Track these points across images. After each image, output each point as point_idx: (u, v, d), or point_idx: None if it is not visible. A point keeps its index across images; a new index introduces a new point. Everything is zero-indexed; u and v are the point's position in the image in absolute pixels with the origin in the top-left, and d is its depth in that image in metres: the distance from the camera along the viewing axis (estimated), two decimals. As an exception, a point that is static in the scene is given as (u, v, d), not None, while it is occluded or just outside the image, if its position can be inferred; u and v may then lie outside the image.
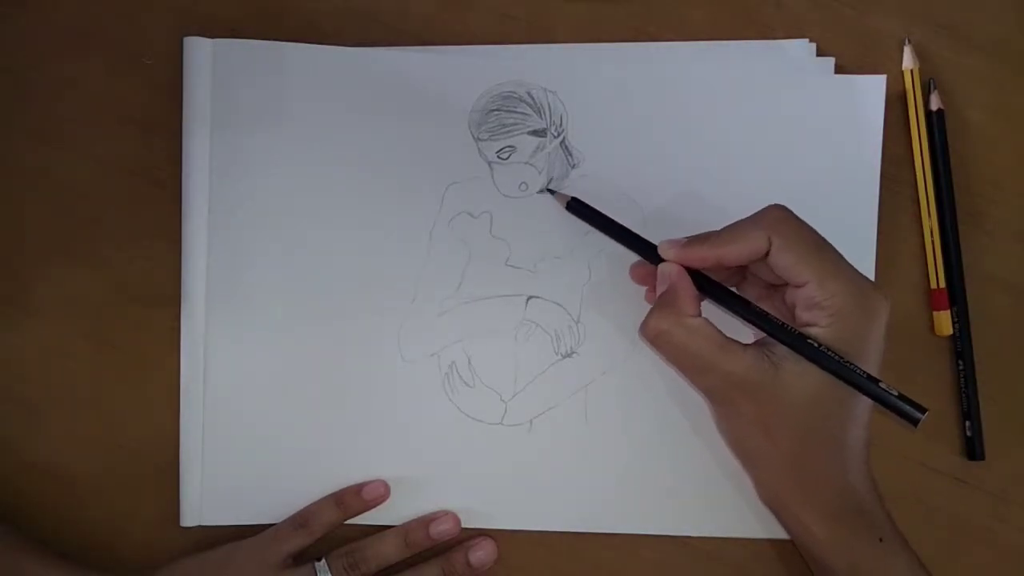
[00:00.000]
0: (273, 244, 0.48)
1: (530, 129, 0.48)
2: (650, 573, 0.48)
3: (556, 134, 0.48)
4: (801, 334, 0.40)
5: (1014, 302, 0.48)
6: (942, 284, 0.47)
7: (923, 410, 0.39)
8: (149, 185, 0.49)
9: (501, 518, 0.48)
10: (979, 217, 0.48)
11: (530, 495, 0.48)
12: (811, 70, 0.48)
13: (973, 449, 0.47)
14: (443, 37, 0.49)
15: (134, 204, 0.49)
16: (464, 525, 0.48)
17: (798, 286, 0.40)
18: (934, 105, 0.48)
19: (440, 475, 0.48)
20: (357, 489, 0.47)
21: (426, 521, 0.47)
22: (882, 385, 0.39)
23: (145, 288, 0.49)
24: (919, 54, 0.48)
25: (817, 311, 0.40)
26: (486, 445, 0.48)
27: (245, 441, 0.48)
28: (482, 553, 0.47)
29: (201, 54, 0.47)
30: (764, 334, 0.41)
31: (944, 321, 0.47)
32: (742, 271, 0.45)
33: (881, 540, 0.41)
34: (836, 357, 0.39)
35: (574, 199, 0.46)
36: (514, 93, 0.48)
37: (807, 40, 0.48)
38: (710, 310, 0.42)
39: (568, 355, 0.48)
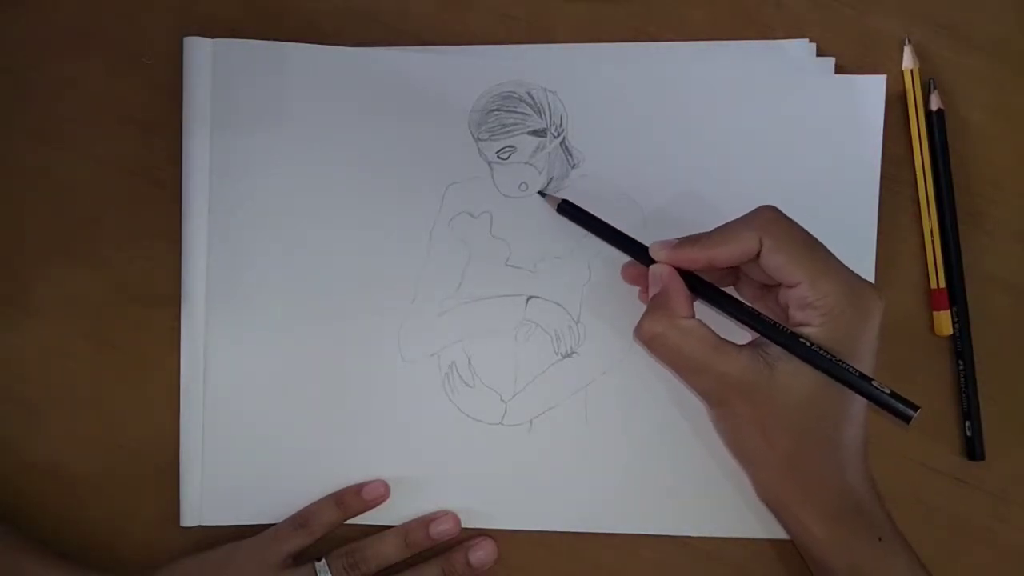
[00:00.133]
0: (273, 244, 0.48)
1: (530, 129, 0.48)
2: (650, 573, 0.48)
3: (556, 134, 0.48)
4: (794, 334, 0.40)
5: (1014, 302, 0.48)
6: (942, 284, 0.47)
7: (915, 407, 0.39)
8: (149, 185, 0.49)
9: (501, 518, 0.48)
10: (979, 217, 0.48)
11: (530, 495, 0.48)
12: (811, 70, 0.48)
13: (973, 449, 0.47)
14: (443, 37, 0.49)
15: (134, 204, 0.49)
16: (464, 525, 0.48)
17: (790, 286, 0.40)
18: (934, 105, 0.48)
19: (440, 475, 0.48)
20: (357, 489, 0.47)
21: (426, 521, 0.47)
22: (874, 383, 0.39)
23: (145, 288, 0.49)
24: (919, 54, 0.48)
25: (810, 311, 0.40)
26: (486, 445, 0.48)
27: (245, 441, 0.48)
28: (482, 553, 0.47)
29: (201, 54, 0.47)
30: (758, 335, 0.41)
31: (944, 321, 0.47)
32: (735, 272, 0.45)
33: (881, 540, 0.41)
34: (829, 356, 0.39)
35: (564, 201, 0.46)
36: (514, 93, 0.48)
37: (807, 40, 0.48)
38: (704, 312, 0.42)
39: (568, 355, 0.48)
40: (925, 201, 0.48)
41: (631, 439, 0.48)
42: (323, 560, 0.46)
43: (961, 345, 0.47)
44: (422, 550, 0.47)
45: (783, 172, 0.47)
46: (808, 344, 0.39)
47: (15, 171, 0.49)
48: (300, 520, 0.47)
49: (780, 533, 0.45)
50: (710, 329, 0.41)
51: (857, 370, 0.39)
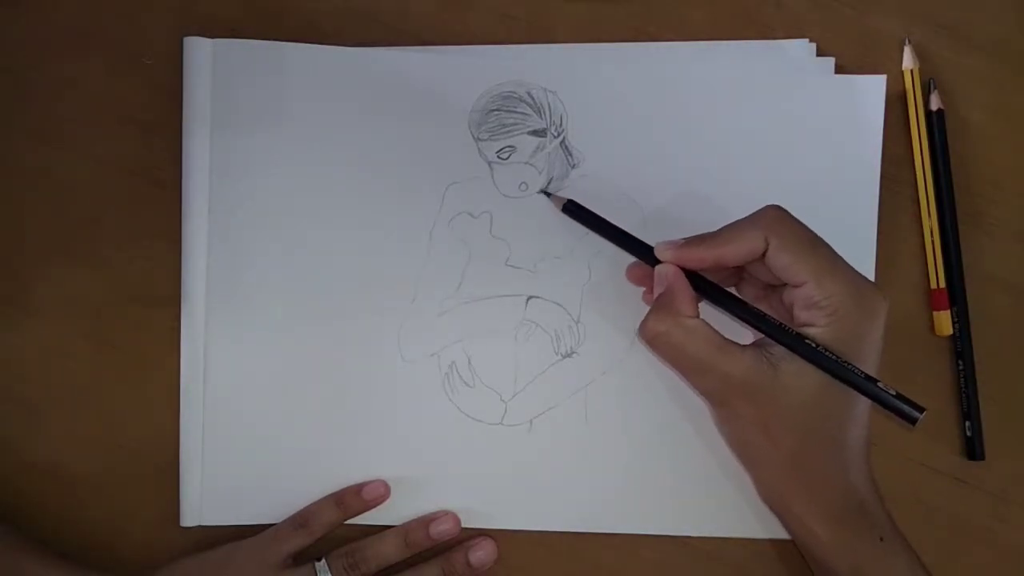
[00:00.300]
0: (273, 244, 0.48)
1: (530, 129, 0.48)
2: (650, 573, 0.48)
3: (556, 134, 0.48)
4: (799, 334, 0.40)
5: (1014, 302, 0.48)
6: (942, 284, 0.47)
7: (921, 409, 0.39)
8: (149, 185, 0.49)
9: (501, 518, 0.48)
10: (979, 217, 0.48)
11: (530, 495, 0.48)
12: (811, 70, 0.48)
13: (973, 449, 0.47)
14: (443, 37, 0.49)
15: (134, 204, 0.49)
16: (464, 525, 0.48)
17: (796, 286, 0.40)
18: (934, 105, 0.48)
19: (440, 475, 0.48)
20: (357, 489, 0.47)
21: (426, 521, 0.47)
22: (880, 385, 0.39)
23: (145, 288, 0.49)
24: (919, 54, 0.48)
25: (815, 311, 0.40)
26: (486, 445, 0.48)
27: (245, 441, 0.48)
28: (482, 553, 0.47)
29: (201, 54, 0.47)
30: (762, 335, 0.41)
31: (944, 321, 0.47)
32: (739, 272, 0.45)
33: (882, 540, 0.41)
34: (834, 357, 0.39)
35: (570, 201, 0.46)
36: (514, 93, 0.48)
37: (807, 40, 0.48)
38: (708, 312, 0.42)
39: (568, 355, 0.48)
40: (925, 201, 0.48)
41: (631, 439, 0.48)
42: (323, 560, 0.46)
43: (961, 345, 0.47)
44: (422, 550, 0.47)
45: (783, 172, 0.47)
46: (813, 345, 0.39)
47: (15, 171, 0.49)
48: (300, 520, 0.47)
49: (780, 533, 0.45)
50: (714, 329, 0.41)
51: (863, 371, 0.39)
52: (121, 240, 0.49)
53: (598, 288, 0.48)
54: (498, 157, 0.48)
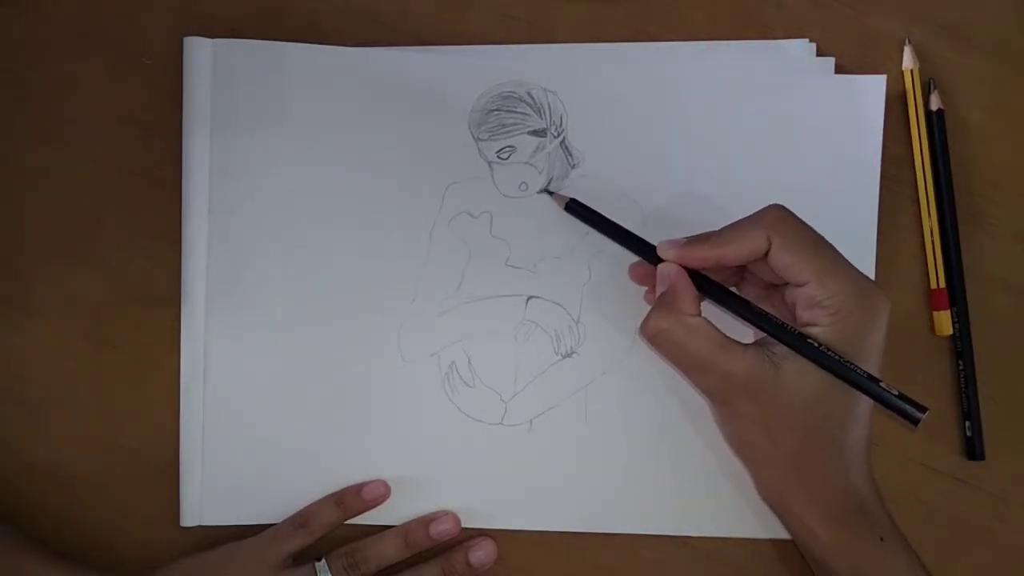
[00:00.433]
0: (273, 244, 0.48)
1: (530, 129, 0.48)
2: (650, 573, 0.48)
3: (556, 134, 0.48)
4: (801, 334, 0.40)
5: (1014, 302, 0.48)
6: (942, 284, 0.47)
7: (923, 409, 0.39)
8: (149, 185, 0.49)
9: (501, 518, 0.48)
10: (979, 217, 0.48)
11: (530, 495, 0.48)
12: (811, 70, 0.48)
13: (973, 449, 0.47)
14: (443, 37, 0.49)
15: (134, 204, 0.49)
16: (464, 525, 0.48)
17: (798, 285, 0.40)
18: (934, 105, 0.48)
19: (440, 475, 0.48)
20: (357, 489, 0.47)
21: (426, 521, 0.47)
22: (882, 384, 0.39)
23: (145, 288, 0.49)
24: (919, 54, 0.48)
25: (818, 310, 0.40)
26: (486, 445, 0.48)
27: (245, 441, 0.48)
28: (482, 553, 0.47)
29: (201, 54, 0.47)
30: (764, 334, 0.41)
31: (944, 321, 0.47)
32: (741, 271, 0.45)
33: (882, 540, 0.41)
34: (836, 357, 0.39)
35: (573, 200, 0.46)
36: (514, 93, 0.48)
37: (807, 40, 0.48)
38: (710, 311, 0.42)
39: (568, 355, 0.48)
40: (925, 201, 0.48)
41: (631, 439, 0.48)
42: (323, 560, 0.46)
43: (961, 345, 0.47)
44: (422, 550, 0.47)
45: (783, 172, 0.47)
46: (816, 344, 0.39)
47: (15, 171, 0.49)
48: (300, 520, 0.47)
49: (780, 533, 0.45)
50: (716, 328, 0.41)
51: (865, 371, 0.39)
52: (121, 240, 0.49)
53: (598, 288, 0.48)
54: (498, 157, 0.48)
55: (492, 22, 0.49)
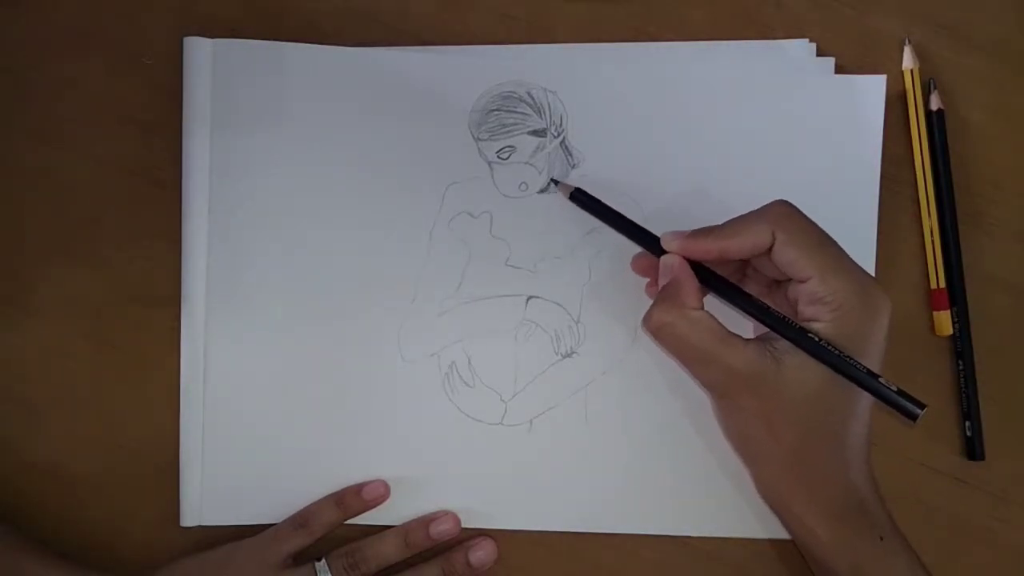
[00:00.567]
0: (273, 244, 0.48)
1: (530, 129, 0.48)
2: (650, 573, 0.48)
3: (556, 134, 0.48)
4: (802, 328, 0.40)
5: (1014, 302, 0.48)
6: (942, 284, 0.47)
7: (922, 406, 0.39)
8: (149, 185, 0.49)
9: (501, 518, 0.48)
10: (979, 217, 0.48)
11: (530, 495, 0.48)
12: (811, 70, 0.48)
13: (973, 449, 0.47)
14: (443, 37, 0.49)
15: (134, 204, 0.49)
16: (464, 525, 0.48)
17: (801, 281, 0.40)
18: (934, 105, 0.48)
19: (440, 475, 0.48)
20: (357, 489, 0.47)
21: (426, 521, 0.47)
22: (882, 380, 0.39)
23: (145, 288, 0.49)
24: (919, 54, 0.48)
25: (820, 306, 0.40)
26: (486, 445, 0.48)
27: (245, 441, 0.48)
28: (482, 553, 0.47)
29: (201, 54, 0.47)
30: (766, 329, 0.41)
31: (944, 321, 0.47)
32: (743, 267, 0.45)
33: (882, 539, 0.41)
34: (836, 352, 0.39)
35: (577, 189, 0.46)
36: (514, 93, 0.48)
37: (807, 40, 0.48)
38: (712, 307, 0.42)
39: (568, 355, 0.48)
40: (925, 201, 0.48)
41: (631, 439, 0.48)
42: (323, 560, 0.46)
43: (961, 345, 0.47)
44: (422, 550, 0.47)
45: (783, 172, 0.47)
46: (816, 339, 0.39)
47: (15, 171, 0.49)
48: (300, 520, 0.47)
49: (780, 533, 0.45)
50: (718, 321, 0.41)
51: (865, 367, 0.39)
52: (121, 240, 0.49)
53: (598, 288, 0.48)
54: (498, 157, 0.48)
55: (492, 22, 0.49)
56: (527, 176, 0.48)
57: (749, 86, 0.47)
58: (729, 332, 0.41)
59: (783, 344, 0.40)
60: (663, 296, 0.42)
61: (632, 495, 0.48)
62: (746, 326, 0.44)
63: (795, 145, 0.47)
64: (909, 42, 0.48)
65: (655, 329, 0.42)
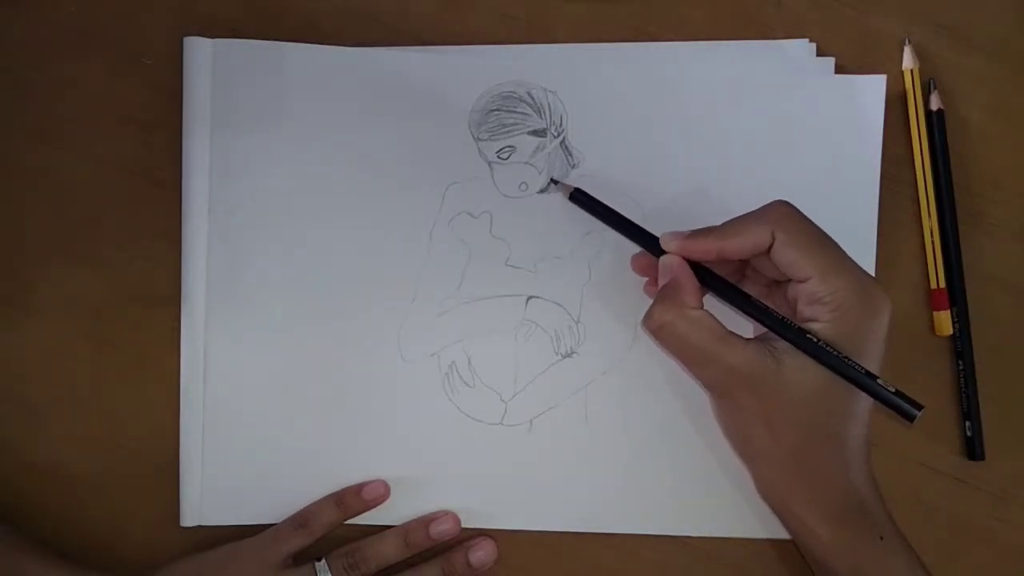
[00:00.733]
0: (273, 244, 0.48)
1: (530, 129, 0.48)
2: (650, 573, 0.48)
3: (556, 134, 0.48)
4: (802, 329, 0.40)
5: (1014, 302, 0.48)
6: (942, 284, 0.47)
7: (919, 406, 0.39)
8: (149, 185, 0.49)
9: (501, 518, 0.48)
10: (979, 217, 0.48)
11: (530, 495, 0.48)
12: (811, 70, 0.48)
13: (973, 449, 0.47)
14: (443, 37, 0.49)
15: (134, 204, 0.49)
16: (464, 525, 0.48)
17: (800, 281, 0.40)
18: (934, 105, 0.48)
19: (440, 475, 0.48)
20: (357, 489, 0.47)
21: (426, 521, 0.47)
22: (879, 381, 0.39)
23: (145, 288, 0.49)
24: (919, 54, 0.48)
25: (819, 306, 0.40)
26: (486, 445, 0.48)
27: (245, 441, 0.48)
28: (482, 553, 0.47)
29: (201, 54, 0.47)
30: (765, 329, 0.41)
31: (944, 321, 0.47)
32: (743, 268, 0.45)
33: (882, 539, 0.41)
34: (834, 352, 0.39)
35: (577, 190, 0.46)
36: (514, 93, 0.48)
37: (807, 40, 0.48)
38: (712, 307, 0.42)
39: (568, 355, 0.48)
40: (925, 201, 0.48)
41: (631, 439, 0.48)
42: (323, 560, 0.46)
43: (961, 345, 0.47)
44: (422, 550, 0.47)
45: (783, 172, 0.47)
46: (815, 340, 0.39)
47: (15, 171, 0.49)
48: (300, 520, 0.47)
49: (780, 533, 0.45)
50: (718, 321, 0.41)
51: (862, 367, 0.39)
52: (121, 240, 0.49)
53: (598, 288, 0.48)
54: (498, 157, 0.48)
55: (492, 22, 0.49)
56: (527, 176, 0.48)
57: (749, 86, 0.47)
58: (729, 332, 0.41)
59: (783, 344, 0.40)
60: (663, 296, 0.42)
61: (632, 495, 0.48)
62: (746, 326, 0.44)
63: (795, 145, 0.47)
64: (909, 42, 0.48)
65: (655, 329, 0.42)
